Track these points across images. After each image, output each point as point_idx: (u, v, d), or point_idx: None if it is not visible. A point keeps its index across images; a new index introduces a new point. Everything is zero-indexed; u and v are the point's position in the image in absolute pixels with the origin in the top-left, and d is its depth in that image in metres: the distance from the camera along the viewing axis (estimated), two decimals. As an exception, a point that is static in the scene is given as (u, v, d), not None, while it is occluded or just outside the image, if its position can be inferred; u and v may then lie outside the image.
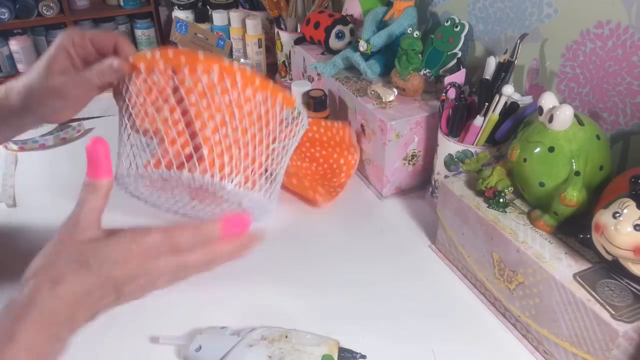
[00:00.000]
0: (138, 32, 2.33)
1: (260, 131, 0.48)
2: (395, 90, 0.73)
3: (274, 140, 0.50)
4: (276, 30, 1.05)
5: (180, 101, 0.46)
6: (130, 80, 0.47)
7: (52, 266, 0.37)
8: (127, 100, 0.47)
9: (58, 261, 0.37)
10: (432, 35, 0.78)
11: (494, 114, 0.61)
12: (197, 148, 0.45)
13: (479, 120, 0.62)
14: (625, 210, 0.42)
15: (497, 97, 0.60)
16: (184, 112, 0.46)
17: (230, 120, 0.46)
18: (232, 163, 0.46)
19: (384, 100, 0.72)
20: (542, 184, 0.52)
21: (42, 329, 0.35)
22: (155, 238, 0.39)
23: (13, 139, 0.84)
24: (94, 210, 0.40)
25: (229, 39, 1.14)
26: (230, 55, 1.15)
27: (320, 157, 0.78)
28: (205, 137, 0.45)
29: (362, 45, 0.78)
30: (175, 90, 0.46)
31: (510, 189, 0.55)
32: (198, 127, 0.45)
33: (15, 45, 2.07)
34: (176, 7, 1.27)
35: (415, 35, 0.71)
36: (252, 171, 0.48)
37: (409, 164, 0.74)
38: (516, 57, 0.60)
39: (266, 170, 0.50)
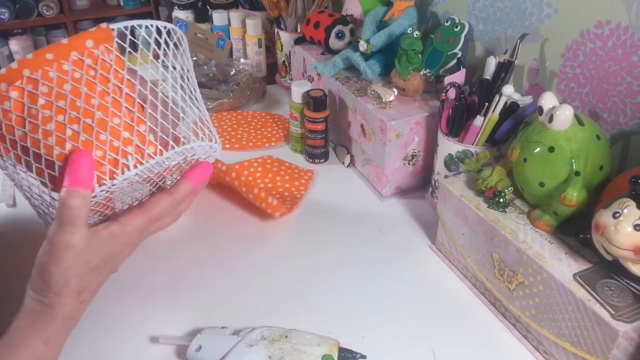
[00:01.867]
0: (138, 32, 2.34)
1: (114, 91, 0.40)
2: (395, 90, 0.73)
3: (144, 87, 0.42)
4: (276, 30, 1.05)
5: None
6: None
7: (70, 280, 0.41)
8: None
9: (74, 274, 0.41)
10: (432, 35, 0.78)
11: (494, 114, 0.61)
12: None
13: (479, 120, 0.62)
14: (625, 210, 0.42)
15: (497, 97, 0.60)
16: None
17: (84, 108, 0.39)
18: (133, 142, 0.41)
19: (384, 100, 0.72)
20: (542, 184, 0.52)
21: (67, 329, 0.43)
22: (141, 221, 0.43)
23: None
24: (82, 214, 0.40)
25: (229, 39, 1.14)
26: (230, 55, 1.15)
27: (270, 183, 0.77)
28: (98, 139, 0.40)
29: (362, 45, 0.78)
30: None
31: (510, 189, 0.55)
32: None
33: (15, 45, 2.07)
34: (176, 7, 1.26)
35: (415, 35, 0.71)
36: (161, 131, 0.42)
37: (409, 164, 0.74)
38: (516, 57, 0.60)
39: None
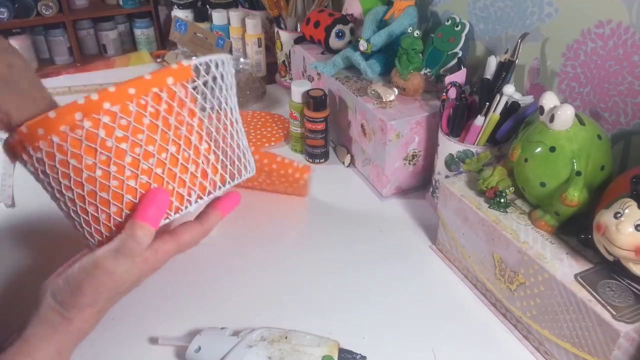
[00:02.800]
0: (137, 32, 2.34)
1: (178, 133, 0.41)
2: (395, 89, 0.73)
3: (200, 126, 0.43)
4: (276, 29, 1.05)
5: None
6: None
7: (98, 302, 0.42)
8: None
9: (104, 297, 0.42)
10: (433, 35, 0.77)
11: (495, 114, 0.60)
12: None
13: (479, 120, 0.62)
14: (626, 211, 0.42)
15: (497, 96, 0.60)
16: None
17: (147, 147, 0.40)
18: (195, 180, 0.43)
19: (384, 100, 0.72)
20: (543, 184, 0.51)
21: (79, 341, 0.44)
22: (171, 247, 0.44)
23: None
24: (143, 248, 0.41)
25: (229, 39, 1.14)
26: (230, 54, 1.15)
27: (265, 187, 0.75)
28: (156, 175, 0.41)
29: (362, 45, 0.78)
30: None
31: (511, 189, 0.55)
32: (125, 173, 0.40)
33: (14, 44, 2.07)
34: (175, 7, 1.26)
35: (416, 35, 0.71)
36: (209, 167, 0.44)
37: (409, 163, 0.74)
38: (517, 56, 0.60)
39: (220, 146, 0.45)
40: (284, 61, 1.07)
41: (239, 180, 0.46)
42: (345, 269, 0.63)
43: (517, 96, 0.61)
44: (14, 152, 0.40)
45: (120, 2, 2.26)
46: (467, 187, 0.59)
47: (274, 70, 1.13)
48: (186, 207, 0.42)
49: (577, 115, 0.50)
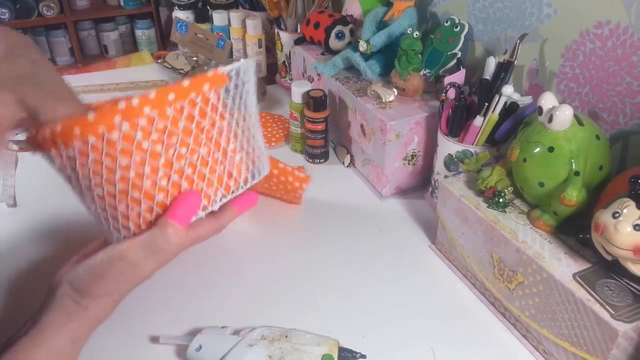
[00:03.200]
0: (138, 33, 2.34)
1: (208, 137, 0.43)
2: (395, 90, 0.73)
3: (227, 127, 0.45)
4: (276, 30, 1.05)
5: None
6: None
7: (118, 292, 0.43)
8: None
9: (124, 288, 0.43)
10: (432, 36, 0.78)
11: (494, 114, 0.61)
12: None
13: (478, 120, 0.62)
14: (624, 210, 0.42)
15: (496, 97, 0.60)
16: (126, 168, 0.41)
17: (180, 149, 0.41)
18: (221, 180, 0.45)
19: (383, 100, 0.72)
20: (541, 184, 0.52)
21: (93, 330, 0.44)
22: (188, 239, 0.44)
23: (13, 139, 0.84)
24: (173, 248, 0.42)
25: (229, 39, 1.14)
26: (231, 55, 1.15)
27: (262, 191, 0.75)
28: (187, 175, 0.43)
29: (362, 46, 0.78)
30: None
31: (510, 189, 0.55)
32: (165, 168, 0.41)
33: (15, 45, 2.07)
34: (176, 8, 1.27)
35: (415, 36, 0.71)
36: (235, 168, 0.46)
37: (408, 164, 0.74)
38: (516, 57, 0.60)
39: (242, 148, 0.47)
40: (284, 62, 1.07)
41: (258, 179, 0.48)
42: (345, 268, 0.63)
43: (516, 97, 0.61)
44: (41, 147, 0.41)
45: (122, 3, 2.26)
46: (466, 187, 0.59)
47: (274, 70, 1.13)
48: (212, 206, 0.44)
49: (575, 116, 0.50)
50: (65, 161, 0.41)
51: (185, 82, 0.40)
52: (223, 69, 0.42)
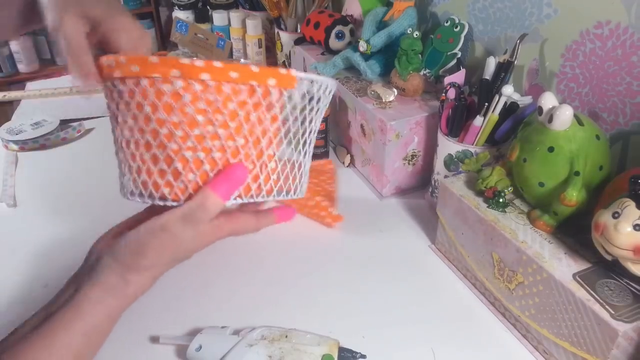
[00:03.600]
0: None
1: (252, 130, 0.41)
2: (395, 90, 0.73)
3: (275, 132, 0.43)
4: (276, 30, 1.05)
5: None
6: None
7: (158, 265, 0.42)
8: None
9: (164, 262, 0.42)
10: (432, 36, 0.78)
11: (494, 114, 0.61)
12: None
13: (478, 120, 0.62)
14: (624, 210, 0.42)
15: (496, 97, 0.60)
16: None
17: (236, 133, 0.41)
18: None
19: (383, 100, 0.72)
20: (541, 184, 0.52)
21: (127, 306, 0.43)
22: (226, 229, 0.43)
23: (13, 139, 0.84)
24: (209, 219, 0.41)
25: (229, 39, 1.15)
26: (231, 55, 1.15)
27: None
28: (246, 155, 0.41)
29: (362, 46, 0.78)
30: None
31: (510, 189, 0.55)
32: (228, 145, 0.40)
33: (15, 45, 2.07)
34: (176, 8, 1.27)
35: (415, 36, 0.71)
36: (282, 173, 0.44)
37: (408, 164, 0.74)
38: (516, 57, 0.60)
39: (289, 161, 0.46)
40: (284, 62, 1.07)
41: (287, 197, 0.45)
42: (345, 268, 0.63)
43: (516, 97, 0.61)
44: (102, 74, 0.41)
45: (121, 3, 2.26)
46: (466, 187, 0.59)
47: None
48: (258, 193, 0.43)
49: (575, 116, 0.50)
50: (116, 96, 0.40)
51: (254, 67, 0.39)
52: (298, 74, 0.41)
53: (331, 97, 0.46)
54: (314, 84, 0.42)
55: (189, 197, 0.41)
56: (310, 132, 0.46)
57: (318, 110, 0.45)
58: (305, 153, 0.46)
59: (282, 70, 0.40)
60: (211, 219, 0.41)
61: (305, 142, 0.46)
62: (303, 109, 0.43)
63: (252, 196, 0.43)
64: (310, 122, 0.45)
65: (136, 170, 0.41)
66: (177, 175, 0.40)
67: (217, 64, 0.37)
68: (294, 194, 0.46)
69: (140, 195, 0.42)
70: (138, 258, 0.41)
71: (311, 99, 0.43)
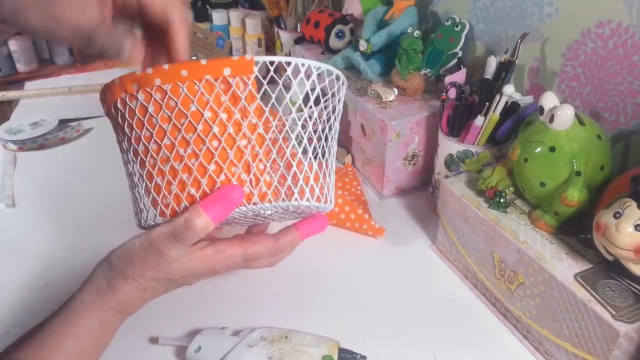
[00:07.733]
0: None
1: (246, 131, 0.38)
2: (395, 89, 0.73)
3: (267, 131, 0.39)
4: (276, 29, 1.05)
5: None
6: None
7: (144, 277, 0.41)
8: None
9: (151, 276, 0.41)
10: (433, 35, 0.77)
11: (495, 114, 0.60)
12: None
13: (479, 120, 0.62)
14: (626, 211, 0.42)
15: (497, 96, 0.60)
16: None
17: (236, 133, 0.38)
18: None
19: (384, 100, 0.72)
20: (542, 184, 0.51)
21: (121, 316, 0.44)
22: (236, 252, 0.42)
23: (12, 139, 0.84)
24: (195, 239, 0.39)
25: (229, 39, 1.14)
26: (230, 54, 1.15)
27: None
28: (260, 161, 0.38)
29: (362, 45, 0.78)
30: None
31: (511, 189, 0.55)
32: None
33: (14, 45, 2.07)
34: (176, 7, 1.26)
35: (416, 35, 0.71)
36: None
37: (409, 163, 0.74)
38: (517, 56, 0.60)
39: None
40: (284, 61, 1.07)
41: (300, 204, 0.39)
42: (345, 269, 0.63)
43: (517, 96, 0.61)
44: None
45: (121, 2, 2.26)
46: (467, 187, 0.59)
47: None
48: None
49: (576, 116, 0.50)
50: (114, 124, 0.41)
51: (203, 61, 0.36)
52: (254, 57, 0.37)
53: (344, 88, 0.42)
54: (288, 67, 0.38)
55: (175, 213, 0.39)
56: (329, 129, 0.42)
57: (335, 109, 0.41)
58: (316, 154, 0.42)
59: (236, 57, 0.37)
60: (198, 237, 0.38)
61: (330, 147, 0.42)
62: (281, 97, 0.38)
63: (254, 203, 0.39)
64: (327, 120, 0.41)
65: (144, 192, 0.41)
66: (158, 190, 0.39)
67: (165, 66, 0.36)
68: (328, 206, 0.42)
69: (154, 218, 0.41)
70: (125, 265, 0.41)
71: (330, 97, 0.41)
